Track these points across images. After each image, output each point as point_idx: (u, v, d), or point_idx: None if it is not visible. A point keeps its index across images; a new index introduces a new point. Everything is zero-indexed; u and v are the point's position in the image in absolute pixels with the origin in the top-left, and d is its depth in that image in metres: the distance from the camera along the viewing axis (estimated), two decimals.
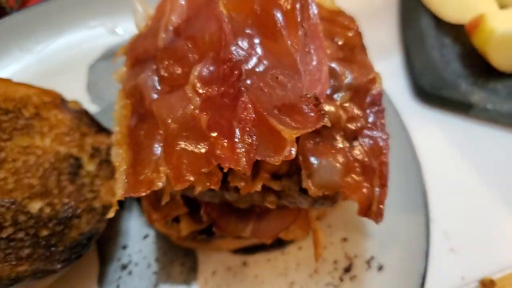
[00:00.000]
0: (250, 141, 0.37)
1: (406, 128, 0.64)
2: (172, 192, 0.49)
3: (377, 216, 0.45)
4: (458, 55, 0.77)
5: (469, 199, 0.66)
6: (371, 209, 0.45)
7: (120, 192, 0.42)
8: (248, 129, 0.37)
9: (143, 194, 0.41)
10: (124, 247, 0.56)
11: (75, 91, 0.64)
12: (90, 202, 0.51)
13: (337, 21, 0.53)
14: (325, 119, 0.38)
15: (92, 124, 0.58)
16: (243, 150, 0.37)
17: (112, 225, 0.56)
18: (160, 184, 0.40)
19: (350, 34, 0.52)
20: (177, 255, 0.56)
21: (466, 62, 0.76)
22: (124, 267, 0.55)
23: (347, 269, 0.56)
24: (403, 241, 0.57)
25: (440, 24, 0.79)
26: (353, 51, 0.51)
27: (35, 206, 0.49)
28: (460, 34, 0.77)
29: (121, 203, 0.53)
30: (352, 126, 0.47)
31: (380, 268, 0.56)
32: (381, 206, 0.45)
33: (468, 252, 0.61)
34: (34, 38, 0.67)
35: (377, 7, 0.84)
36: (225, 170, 0.38)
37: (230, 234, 0.49)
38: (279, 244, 0.57)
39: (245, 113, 0.38)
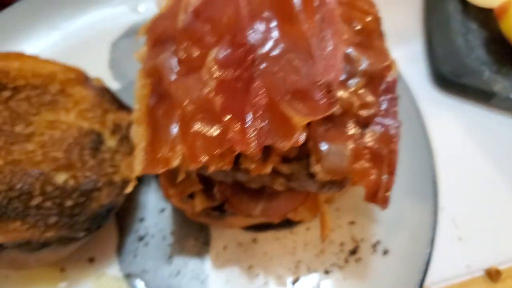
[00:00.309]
0: (261, 126, 0.38)
1: (421, 115, 0.64)
2: (188, 170, 0.51)
3: (383, 202, 0.46)
4: (483, 41, 0.75)
5: (481, 190, 0.66)
6: (378, 196, 0.46)
7: (138, 168, 0.45)
8: (259, 114, 0.39)
9: (160, 171, 0.43)
10: (142, 220, 0.59)
11: (98, 68, 0.66)
12: (110, 176, 0.54)
13: (356, 5, 0.53)
14: (335, 107, 0.39)
15: (113, 101, 0.60)
16: (254, 134, 0.38)
17: (131, 199, 0.59)
18: (175, 163, 0.42)
19: (368, 19, 0.52)
20: (191, 230, 0.59)
21: (491, 49, 0.74)
22: (141, 238, 0.58)
23: (353, 252, 0.58)
24: (410, 228, 0.58)
25: (468, 8, 0.77)
26: (370, 36, 0.51)
27: (60, 177, 0.52)
28: (487, 19, 0.75)
29: (139, 178, 0.55)
30: (364, 113, 0.48)
31: (385, 252, 0.57)
32: (388, 193, 0.46)
33: (475, 241, 0.62)
34: (60, 16, 0.70)
35: None
36: (233, 155, 0.40)
37: (241, 212, 0.51)
38: (288, 224, 0.59)
39: (258, 98, 0.39)
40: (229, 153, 0.43)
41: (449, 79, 0.71)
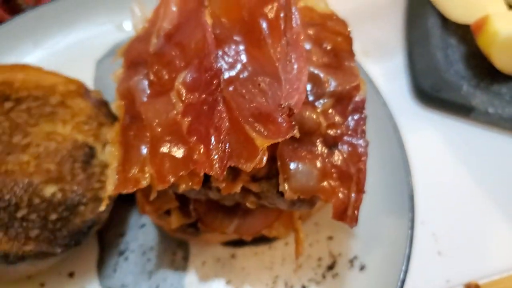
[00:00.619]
0: (223, 148, 0.40)
1: (398, 131, 0.64)
2: (159, 189, 0.53)
3: (352, 220, 0.47)
4: (462, 55, 0.76)
5: (461, 204, 0.66)
6: (347, 214, 0.47)
7: (110, 188, 0.46)
8: (222, 137, 0.40)
9: (131, 191, 0.44)
10: (122, 235, 0.60)
11: None
12: (96, 192, 0.55)
13: (327, 26, 0.54)
14: (295, 130, 0.40)
15: (109, 114, 0.61)
16: (217, 156, 0.40)
17: (112, 214, 0.61)
18: (144, 183, 0.44)
19: (339, 39, 0.53)
20: (171, 245, 0.60)
21: (470, 64, 0.75)
22: (121, 253, 0.59)
23: (330, 267, 0.58)
24: (387, 243, 0.58)
25: (447, 23, 0.78)
26: (340, 57, 0.52)
27: (49, 190, 0.53)
28: (466, 35, 0.76)
29: (121, 195, 0.56)
30: (332, 132, 0.49)
31: (362, 268, 0.58)
32: (356, 212, 0.47)
33: (455, 256, 0.62)
34: (46, 34, 0.71)
35: (383, 5, 0.83)
36: (201, 175, 0.41)
37: (215, 230, 0.53)
38: (267, 239, 0.60)
39: (220, 122, 0.40)
40: (197, 173, 0.44)
41: (429, 93, 0.72)
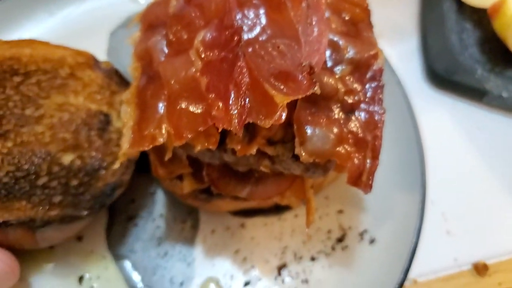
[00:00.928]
0: (242, 103, 0.39)
1: (412, 109, 0.64)
2: (177, 151, 0.52)
3: (366, 186, 0.46)
4: (477, 40, 0.75)
5: (471, 185, 0.66)
6: (361, 180, 0.47)
7: (125, 146, 0.46)
8: (242, 92, 0.40)
9: (146, 148, 0.44)
10: (132, 201, 0.60)
11: (96, 55, 0.67)
12: (115, 156, 0.55)
13: None
14: (316, 87, 0.40)
15: (122, 82, 0.61)
16: (236, 112, 0.39)
17: None
18: (161, 140, 0.44)
19: (358, 11, 0.53)
20: (181, 213, 0.60)
21: (485, 48, 0.74)
22: (130, 219, 0.59)
23: (340, 239, 0.58)
24: (397, 218, 0.58)
25: (463, 7, 0.77)
26: (358, 27, 0.52)
27: (67, 158, 0.53)
28: (482, 19, 0.76)
29: (136, 163, 0.56)
30: (349, 99, 0.48)
31: (372, 241, 0.58)
32: (371, 178, 0.47)
33: (464, 236, 0.62)
34: (59, 2, 0.71)
35: None
36: (219, 130, 0.41)
37: (227, 194, 0.52)
38: (277, 210, 0.60)
39: (240, 77, 0.40)
40: (215, 132, 0.44)
41: (443, 76, 0.72)
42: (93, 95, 0.58)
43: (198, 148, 0.45)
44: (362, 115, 0.49)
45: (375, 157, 0.47)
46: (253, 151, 0.46)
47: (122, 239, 0.58)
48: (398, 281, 0.53)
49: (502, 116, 0.72)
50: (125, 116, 0.48)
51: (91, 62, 0.61)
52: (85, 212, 0.51)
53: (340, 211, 0.60)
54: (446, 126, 0.72)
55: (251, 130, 0.47)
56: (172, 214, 0.60)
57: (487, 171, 0.68)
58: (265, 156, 0.48)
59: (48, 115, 0.55)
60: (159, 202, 0.61)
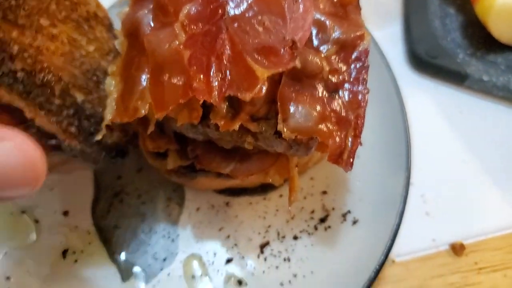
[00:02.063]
0: (223, 76, 0.40)
1: (400, 92, 0.64)
2: (162, 125, 0.53)
3: (347, 164, 0.47)
4: (460, 25, 0.76)
5: (451, 168, 0.67)
6: (342, 158, 0.47)
7: (108, 117, 0.47)
8: (223, 65, 0.40)
9: (129, 120, 0.45)
10: (119, 178, 0.61)
11: None
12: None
13: None
14: (297, 61, 0.40)
15: None
16: (216, 84, 0.40)
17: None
18: (143, 112, 0.44)
19: None
20: (166, 190, 0.61)
21: (467, 33, 0.75)
22: (116, 195, 0.60)
23: (323, 220, 0.59)
24: (381, 200, 0.59)
25: None
26: (347, 9, 0.52)
27: (79, 95, 0.49)
28: (465, 4, 0.77)
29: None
30: (334, 78, 0.49)
31: (355, 222, 0.58)
32: (352, 156, 0.47)
33: (442, 217, 0.63)
34: None
35: None
36: (200, 103, 0.41)
37: (211, 170, 0.53)
38: (262, 190, 0.61)
39: (222, 50, 0.40)
40: (197, 106, 0.45)
41: (425, 60, 0.73)
42: (104, 52, 0.54)
43: (181, 122, 0.46)
44: (346, 94, 0.49)
45: (356, 135, 0.47)
46: (236, 126, 0.46)
47: (107, 214, 0.58)
48: (379, 262, 0.54)
49: (483, 100, 0.73)
50: (109, 89, 0.48)
51: (107, 21, 0.57)
52: (95, 157, 0.48)
53: (324, 192, 0.61)
54: (428, 109, 0.72)
55: (235, 106, 0.47)
56: (157, 191, 0.60)
57: (467, 154, 0.68)
58: (249, 132, 0.48)
59: (60, 40, 0.49)
60: (145, 179, 0.61)
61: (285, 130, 0.45)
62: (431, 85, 0.74)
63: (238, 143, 0.50)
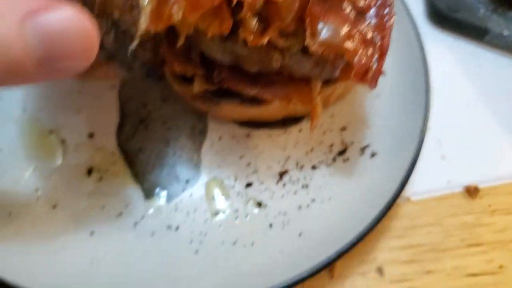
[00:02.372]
0: None
1: (420, 36, 0.66)
2: (190, 49, 0.54)
3: (372, 82, 0.48)
4: None
5: (467, 117, 0.68)
6: (367, 76, 0.48)
7: (143, 26, 0.48)
8: None
9: (163, 27, 0.46)
10: (144, 105, 0.62)
11: None
12: None
13: None
14: None
15: None
16: None
17: (136, 85, 0.63)
18: (176, 18, 0.45)
19: None
20: (190, 119, 0.62)
21: None
22: (141, 120, 0.61)
23: (341, 152, 0.60)
24: (400, 134, 0.60)
25: None
26: None
27: (115, 13, 0.48)
28: None
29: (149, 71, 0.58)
30: (361, 2, 0.50)
31: (373, 155, 0.59)
32: (377, 74, 0.48)
33: (458, 161, 0.64)
34: None
35: None
36: (233, 3, 0.43)
37: (236, 89, 0.54)
38: (282, 124, 0.62)
39: None
40: (227, 16, 0.46)
41: (445, 14, 0.74)
42: None
43: (211, 33, 0.47)
44: (373, 17, 0.50)
45: (382, 55, 0.49)
46: (265, 41, 0.48)
47: (132, 138, 0.60)
48: (395, 191, 0.55)
49: (502, 55, 0.73)
50: (143, 4, 0.50)
51: None
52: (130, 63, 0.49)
53: (344, 128, 0.62)
54: (446, 63, 0.73)
55: (264, 22, 0.48)
56: (181, 119, 0.62)
57: (484, 104, 0.69)
58: (276, 49, 0.50)
59: None
60: (170, 107, 0.63)
61: (313, 44, 0.47)
62: (450, 39, 0.75)
63: (265, 61, 0.51)
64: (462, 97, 0.70)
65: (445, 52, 0.74)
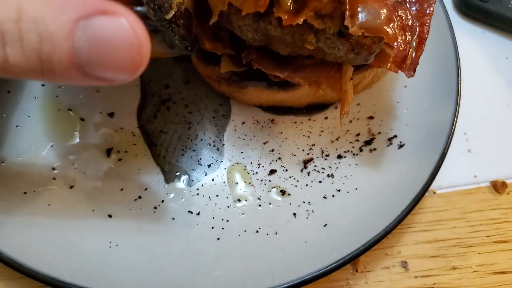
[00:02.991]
0: None
1: (452, 27, 0.64)
2: (220, 28, 0.52)
3: (410, 69, 0.46)
4: None
5: (495, 110, 0.67)
6: (406, 63, 0.47)
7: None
8: None
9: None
10: (166, 87, 0.60)
11: None
12: None
13: None
14: None
15: None
16: None
17: (159, 66, 0.61)
18: None
19: None
20: (213, 102, 0.60)
21: None
22: (163, 102, 0.59)
23: (368, 142, 0.58)
24: (429, 126, 0.58)
25: None
26: None
27: None
28: None
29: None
30: None
31: (401, 146, 0.58)
32: (415, 62, 0.46)
33: (484, 155, 0.63)
34: None
35: None
36: None
37: (266, 71, 0.52)
38: (307, 111, 0.60)
39: None
40: None
41: (475, 4, 0.72)
42: None
43: (246, 11, 0.45)
44: (412, 3, 0.48)
45: (421, 42, 0.47)
46: (300, 21, 0.46)
47: (153, 119, 0.58)
48: (424, 185, 0.53)
49: None
50: None
51: None
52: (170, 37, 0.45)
53: (371, 118, 0.60)
54: (474, 54, 0.72)
55: (300, 2, 0.46)
56: (204, 103, 0.60)
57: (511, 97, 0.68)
58: (311, 30, 0.48)
59: None
60: (193, 91, 0.61)
61: (352, 25, 0.45)
62: (479, 30, 0.74)
63: (298, 43, 0.49)
64: (489, 90, 0.68)
65: (473, 43, 0.72)
